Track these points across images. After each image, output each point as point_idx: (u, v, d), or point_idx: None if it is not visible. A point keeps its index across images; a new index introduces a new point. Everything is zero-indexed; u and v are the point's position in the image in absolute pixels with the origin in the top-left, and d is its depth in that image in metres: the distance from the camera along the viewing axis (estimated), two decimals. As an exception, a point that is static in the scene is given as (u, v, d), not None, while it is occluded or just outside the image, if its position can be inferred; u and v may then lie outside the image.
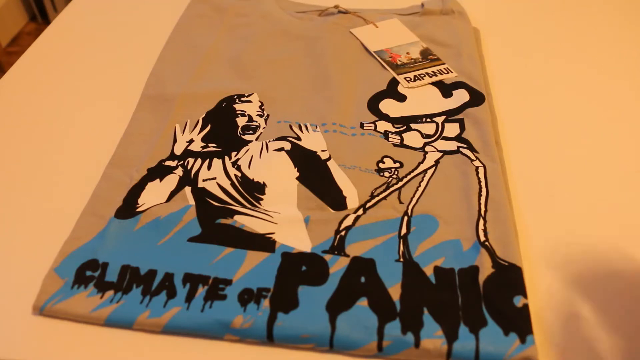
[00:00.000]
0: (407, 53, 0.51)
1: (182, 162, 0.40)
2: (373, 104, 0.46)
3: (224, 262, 0.34)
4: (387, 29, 0.55)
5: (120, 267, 0.33)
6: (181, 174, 0.39)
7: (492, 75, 0.50)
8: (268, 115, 0.45)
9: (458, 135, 0.42)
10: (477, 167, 0.39)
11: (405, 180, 0.39)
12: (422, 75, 0.49)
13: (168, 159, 0.40)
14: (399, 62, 0.50)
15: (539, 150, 0.43)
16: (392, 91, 0.47)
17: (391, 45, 0.52)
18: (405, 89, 0.47)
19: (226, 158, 0.41)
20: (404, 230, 0.36)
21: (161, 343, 0.31)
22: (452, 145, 0.42)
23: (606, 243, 0.36)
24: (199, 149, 0.41)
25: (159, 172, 0.39)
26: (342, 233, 0.36)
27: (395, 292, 0.32)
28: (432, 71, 0.49)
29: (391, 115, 0.44)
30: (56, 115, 0.46)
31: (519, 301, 0.31)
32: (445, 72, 0.49)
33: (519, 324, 0.30)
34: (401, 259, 0.34)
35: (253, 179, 0.39)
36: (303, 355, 0.30)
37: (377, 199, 0.38)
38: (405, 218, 0.37)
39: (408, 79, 0.48)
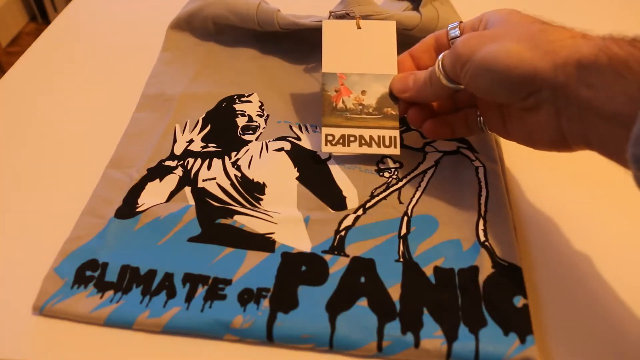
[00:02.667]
0: (363, 92, 0.40)
1: (182, 162, 0.40)
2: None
3: (223, 262, 0.34)
4: (371, 33, 0.42)
5: (120, 267, 0.33)
6: (181, 174, 0.39)
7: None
8: (268, 115, 0.45)
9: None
10: (477, 168, 0.39)
11: (405, 180, 0.39)
12: (351, 139, 0.39)
13: (168, 159, 0.40)
14: (339, 106, 0.40)
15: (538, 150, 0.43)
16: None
17: (354, 68, 0.41)
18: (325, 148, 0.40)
19: (226, 158, 0.41)
20: (403, 231, 0.36)
21: (161, 343, 0.31)
22: (452, 146, 0.42)
23: (607, 242, 0.36)
24: (199, 149, 0.41)
25: (158, 172, 0.39)
26: (342, 233, 0.36)
27: (395, 292, 0.32)
28: (370, 136, 0.39)
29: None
30: (56, 115, 0.46)
31: (518, 301, 0.31)
32: (388, 144, 0.39)
33: (518, 324, 0.30)
34: (401, 259, 0.34)
35: (253, 179, 0.39)
36: (303, 355, 0.30)
37: (377, 199, 0.38)
38: (405, 218, 0.37)
39: (330, 137, 0.39)
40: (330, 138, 0.40)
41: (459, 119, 0.39)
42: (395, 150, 0.40)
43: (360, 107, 0.40)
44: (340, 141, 0.39)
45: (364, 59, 0.41)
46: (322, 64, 0.41)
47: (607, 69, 0.26)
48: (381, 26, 0.43)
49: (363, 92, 0.40)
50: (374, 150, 0.40)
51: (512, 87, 0.30)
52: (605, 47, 0.26)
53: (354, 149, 0.40)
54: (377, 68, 0.41)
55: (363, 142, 0.40)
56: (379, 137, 0.40)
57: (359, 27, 0.42)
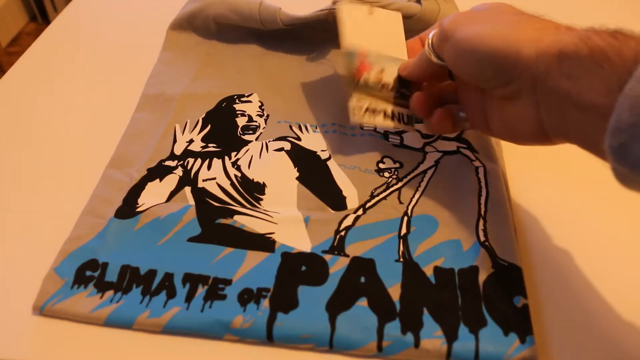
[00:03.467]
0: (382, 70, 0.40)
1: (182, 162, 0.40)
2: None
3: (223, 262, 0.34)
4: (380, 21, 0.43)
5: (120, 267, 0.33)
6: (181, 174, 0.39)
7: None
8: (268, 115, 0.45)
9: (458, 135, 0.42)
10: (477, 168, 0.39)
11: (405, 180, 0.39)
12: (377, 111, 0.39)
13: (168, 159, 0.40)
14: (361, 81, 0.39)
15: (538, 151, 0.43)
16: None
17: (371, 48, 0.41)
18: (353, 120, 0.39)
19: (226, 158, 0.41)
20: (403, 231, 0.36)
21: (161, 343, 0.31)
22: (452, 146, 0.42)
23: (607, 242, 0.36)
24: (199, 149, 0.41)
25: (158, 172, 0.39)
26: (342, 233, 0.36)
27: (395, 292, 0.32)
28: (392, 111, 0.39)
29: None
30: (56, 115, 0.46)
31: (518, 301, 0.31)
32: (406, 122, 0.40)
33: (518, 324, 0.30)
34: (401, 259, 0.34)
35: (253, 179, 0.39)
36: (303, 355, 0.30)
37: (377, 199, 0.38)
38: (405, 218, 0.37)
39: (358, 108, 0.39)
40: (357, 109, 0.39)
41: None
42: (413, 129, 0.40)
43: (381, 84, 0.40)
44: (367, 112, 0.39)
45: (378, 43, 0.41)
46: (343, 41, 0.40)
47: (587, 59, 0.26)
48: (389, 15, 0.43)
49: (382, 71, 0.40)
50: (396, 125, 0.39)
51: (494, 69, 0.30)
52: (587, 38, 0.26)
53: (379, 121, 0.39)
54: (390, 52, 0.41)
55: (386, 115, 0.39)
56: (399, 113, 0.40)
57: (370, 13, 0.43)
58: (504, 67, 0.30)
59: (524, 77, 0.29)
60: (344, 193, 0.38)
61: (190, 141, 0.42)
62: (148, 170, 0.39)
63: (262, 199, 0.38)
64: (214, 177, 0.39)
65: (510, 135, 0.34)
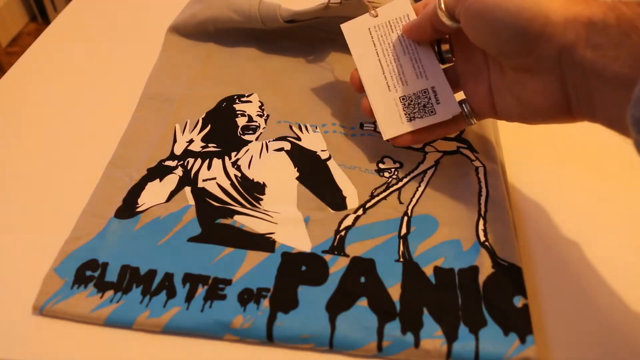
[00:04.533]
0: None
1: (182, 162, 0.40)
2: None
3: (223, 262, 0.34)
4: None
5: (120, 267, 0.33)
6: (181, 174, 0.39)
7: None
8: (268, 115, 0.45)
9: (458, 135, 0.42)
10: (477, 168, 0.39)
11: (405, 180, 0.39)
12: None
13: (168, 159, 0.40)
14: None
15: (538, 150, 0.43)
16: None
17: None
18: None
19: (226, 158, 0.41)
20: (404, 231, 0.36)
21: (161, 343, 0.31)
22: (452, 146, 0.42)
23: (607, 242, 0.36)
24: (199, 149, 0.41)
25: (158, 172, 0.39)
26: (342, 233, 0.36)
27: (395, 292, 0.32)
28: None
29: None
30: (56, 115, 0.46)
31: (518, 301, 0.31)
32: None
33: (518, 324, 0.30)
34: (401, 259, 0.34)
35: (253, 179, 0.39)
36: (303, 355, 0.31)
37: (377, 199, 0.38)
38: (405, 218, 0.37)
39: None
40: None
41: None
42: None
43: None
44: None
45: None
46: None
47: (614, 29, 0.25)
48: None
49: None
50: None
51: (518, 33, 0.28)
52: (615, 7, 0.26)
53: None
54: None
55: None
56: None
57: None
58: (530, 32, 0.28)
59: (549, 46, 0.28)
60: (344, 193, 0.38)
61: (190, 141, 0.42)
62: (148, 170, 0.39)
63: (262, 199, 0.38)
64: (214, 177, 0.39)
65: (523, 113, 0.32)
